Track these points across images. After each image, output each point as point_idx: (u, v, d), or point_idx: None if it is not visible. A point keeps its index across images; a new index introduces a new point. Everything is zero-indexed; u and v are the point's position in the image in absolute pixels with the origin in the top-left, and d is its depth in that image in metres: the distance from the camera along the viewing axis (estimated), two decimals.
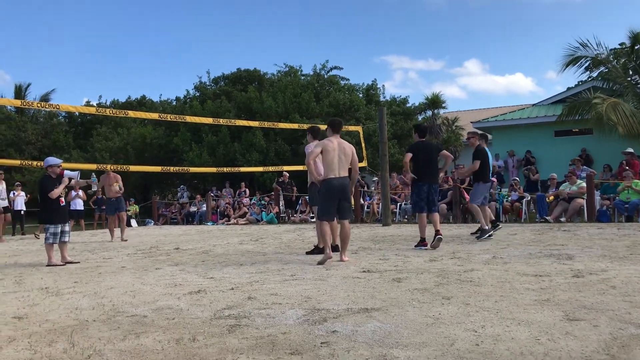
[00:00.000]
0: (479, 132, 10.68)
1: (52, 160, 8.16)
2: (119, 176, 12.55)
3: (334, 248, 7.53)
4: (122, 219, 12.59)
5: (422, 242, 8.11)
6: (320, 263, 6.66)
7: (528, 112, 20.29)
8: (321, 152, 6.89)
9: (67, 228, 8.01)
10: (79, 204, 17.70)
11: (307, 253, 7.95)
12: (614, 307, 3.76)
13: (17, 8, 60.01)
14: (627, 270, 5.31)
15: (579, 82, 20.93)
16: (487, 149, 9.63)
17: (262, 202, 18.92)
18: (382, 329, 3.43)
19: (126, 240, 11.96)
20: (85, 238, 13.33)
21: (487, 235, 8.96)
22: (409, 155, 8.28)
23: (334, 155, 6.84)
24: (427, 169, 8.24)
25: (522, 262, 6.17)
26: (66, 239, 7.97)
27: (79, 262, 7.88)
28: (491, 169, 9.79)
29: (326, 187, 6.92)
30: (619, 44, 23.41)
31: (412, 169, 8.36)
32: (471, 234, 9.89)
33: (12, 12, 60.06)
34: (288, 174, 18.76)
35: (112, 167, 13.31)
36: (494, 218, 9.91)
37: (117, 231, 12.46)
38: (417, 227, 8.46)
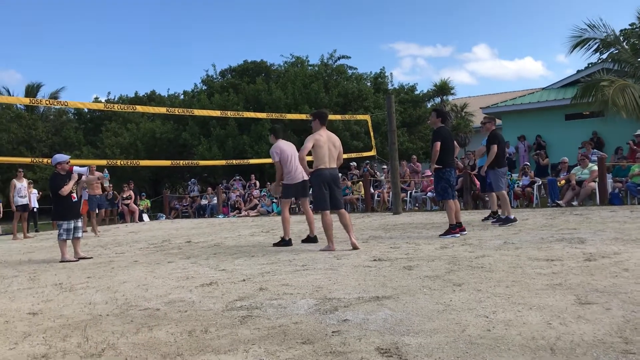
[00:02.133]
0: (492, 117, 10.68)
1: (60, 157, 8.20)
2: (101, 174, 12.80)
3: (313, 239, 8.01)
4: (100, 215, 13.27)
5: (453, 230, 7.81)
6: (323, 251, 6.99)
7: (538, 96, 20.11)
8: (313, 147, 7.00)
9: (79, 224, 8.07)
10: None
11: (274, 244, 8.09)
12: (627, 290, 3.74)
13: (26, 7, 60.30)
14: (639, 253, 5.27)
15: (589, 64, 20.70)
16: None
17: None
18: (393, 316, 3.43)
19: (98, 236, 12.42)
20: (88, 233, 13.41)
21: (511, 223, 8.85)
22: (439, 143, 7.88)
23: (325, 148, 7.02)
24: (451, 155, 8.15)
25: (533, 247, 6.14)
26: (79, 235, 8.04)
27: (91, 258, 7.95)
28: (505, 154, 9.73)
29: (318, 178, 7.05)
30: (629, 25, 23.14)
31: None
32: (482, 220, 9.86)
33: (21, 11, 60.36)
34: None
35: (122, 163, 13.40)
36: (495, 209, 9.81)
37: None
38: (429, 214, 8.43)
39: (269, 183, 18.09)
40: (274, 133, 8.29)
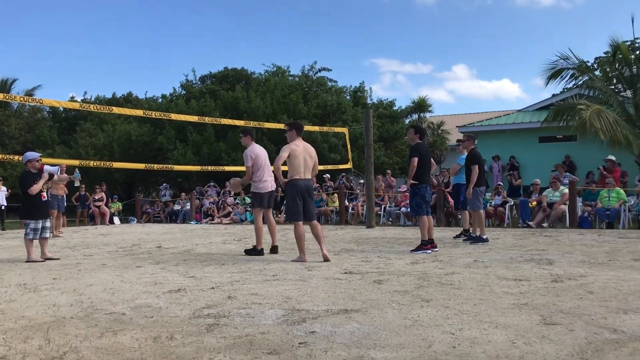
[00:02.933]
0: (473, 135, 10.79)
1: (31, 154, 8.05)
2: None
3: (272, 249, 8.03)
4: (60, 217, 13.09)
5: (425, 246, 7.85)
6: (295, 261, 7.00)
7: (513, 118, 20.46)
8: (288, 156, 7.01)
9: (47, 224, 7.93)
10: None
11: (246, 251, 8.07)
12: (591, 312, 3.80)
13: (5, 3, 59.34)
14: (605, 276, 5.37)
15: (564, 88, 21.13)
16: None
17: (247, 201, 18.85)
18: (361, 330, 3.43)
19: (60, 236, 12.35)
20: (66, 235, 13.18)
21: (482, 242, 8.93)
22: (416, 159, 7.95)
23: (300, 159, 7.03)
24: (428, 171, 8.21)
25: (502, 266, 6.21)
26: (47, 235, 7.89)
27: (58, 259, 7.81)
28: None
29: (292, 188, 7.06)
30: (604, 52, 23.68)
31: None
32: (454, 237, 9.94)
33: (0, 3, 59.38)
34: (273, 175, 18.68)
35: (95, 164, 13.22)
36: (467, 227, 9.91)
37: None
38: (402, 229, 8.48)
39: (228, 182, 17.30)
40: (249, 134, 8.18)
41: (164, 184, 23.56)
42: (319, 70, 27.11)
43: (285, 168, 7.14)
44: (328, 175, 18.96)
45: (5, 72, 67.73)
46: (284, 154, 6.99)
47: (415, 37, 70.83)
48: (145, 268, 6.62)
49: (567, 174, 15.30)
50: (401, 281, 5.28)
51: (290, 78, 26.28)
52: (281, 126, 16.91)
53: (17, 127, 29.97)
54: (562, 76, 15.96)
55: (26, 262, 7.49)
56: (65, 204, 13.30)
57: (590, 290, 4.63)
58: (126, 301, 4.52)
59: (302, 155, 7.04)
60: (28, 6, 61.60)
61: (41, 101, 12.89)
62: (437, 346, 3.05)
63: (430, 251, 7.82)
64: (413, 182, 8.01)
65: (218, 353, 3.01)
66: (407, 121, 28.50)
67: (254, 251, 7.89)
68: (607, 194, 12.64)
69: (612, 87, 17.58)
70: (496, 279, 5.32)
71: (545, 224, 12.83)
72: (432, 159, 8.60)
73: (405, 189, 16.45)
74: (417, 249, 7.90)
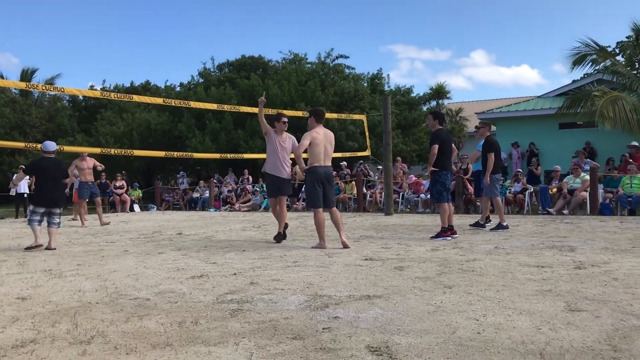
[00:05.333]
0: (488, 122, 10.65)
1: (51, 145, 8.16)
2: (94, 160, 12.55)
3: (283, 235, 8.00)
4: (97, 203, 12.66)
5: (445, 233, 7.80)
6: (315, 248, 7.03)
7: (533, 104, 20.20)
8: (310, 144, 7.01)
9: (55, 214, 7.82)
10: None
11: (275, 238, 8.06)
12: (616, 299, 3.76)
13: None
14: (629, 263, 5.31)
15: (584, 74, 20.83)
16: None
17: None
18: (384, 316, 3.44)
19: (108, 224, 12.05)
20: (88, 222, 13.34)
21: (502, 229, 8.83)
22: (437, 146, 7.86)
23: (321, 147, 7.03)
24: (449, 157, 8.11)
25: (524, 253, 6.17)
26: (54, 226, 7.78)
27: (55, 249, 7.57)
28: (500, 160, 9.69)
29: (312, 175, 7.09)
30: (627, 37, 23.29)
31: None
32: (470, 225, 9.86)
33: None
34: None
35: (116, 152, 13.34)
36: (488, 214, 9.74)
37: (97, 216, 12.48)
38: (420, 216, 8.45)
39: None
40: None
41: (181, 172, 23.72)
42: (336, 58, 26.99)
43: (305, 155, 7.14)
44: (345, 163, 18.92)
45: (27, 61, 68.43)
46: (305, 141, 7.00)
47: (433, 23, 70.22)
48: (167, 254, 6.69)
49: (588, 160, 15.12)
50: (422, 268, 5.27)
51: (307, 65, 26.20)
52: (299, 114, 16.94)
53: (38, 116, 30.31)
54: (584, 62, 15.75)
55: (46, 249, 7.48)
56: (97, 190, 12.84)
57: (615, 277, 4.59)
58: (150, 287, 4.57)
59: (322, 143, 7.04)
60: None
61: (62, 89, 13.01)
62: (462, 332, 3.04)
63: (450, 238, 7.77)
64: (433, 169, 7.95)
65: (243, 338, 3.04)
66: (424, 108, 28.31)
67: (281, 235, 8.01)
68: (629, 180, 12.47)
69: (635, 71, 17.29)
70: (518, 265, 5.28)
71: (565, 211, 12.71)
72: (453, 144, 8.52)
73: (414, 179, 16.43)
74: (437, 235, 7.87)
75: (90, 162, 12.42)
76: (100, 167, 12.66)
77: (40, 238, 7.60)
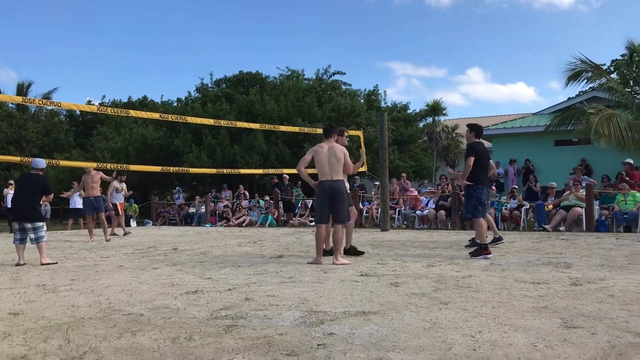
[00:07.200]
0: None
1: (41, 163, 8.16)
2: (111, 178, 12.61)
3: (329, 252, 7.55)
4: (101, 219, 12.58)
5: (485, 250, 7.32)
6: (310, 264, 6.99)
7: (528, 121, 20.33)
8: (313, 159, 7.11)
9: (36, 228, 7.79)
10: (78, 203, 17.36)
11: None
12: (612, 316, 3.75)
13: (24, 7, 60.15)
14: (625, 280, 5.30)
15: (579, 92, 20.97)
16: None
17: (260, 204, 18.86)
18: (379, 332, 3.42)
19: (109, 241, 11.95)
20: (83, 237, 13.29)
21: (495, 243, 8.65)
22: (472, 159, 7.57)
23: (324, 160, 7.04)
24: (485, 172, 7.78)
25: (520, 269, 6.16)
26: (31, 242, 7.78)
27: (24, 264, 7.57)
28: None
29: (317, 190, 7.18)
30: (621, 55, 23.50)
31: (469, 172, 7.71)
32: (465, 246, 9.55)
33: (19, 10, 60.18)
34: (288, 177, 18.66)
35: (111, 166, 13.32)
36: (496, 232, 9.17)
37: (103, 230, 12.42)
38: (416, 232, 8.41)
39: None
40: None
41: (177, 188, 23.70)
42: (333, 74, 27.15)
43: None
44: None
45: (25, 74, 68.61)
46: (307, 156, 7.16)
47: (429, 40, 70.73)
48: (162, 270, 6.65)
49: (585, 176, 15.15)
50: (418, 284, 5.25)
51: (304, 81, 26.31)
52: (296, 129, 16.98)
53: (35, 131, 30.32)
54: (579, 78, 15.86)
55: (41, 264, 7.45)
56: (101, 204, 12.73)
57: (611, 293, 4.57)
58: (144, 302, 4.53)
59: (325, 157, 7.03)
60: (44, 11, 62.34)
61: (59, 104, 13.01)
62: (458, 349, 3.02)
63: (490, 256, 7.28)
64: (467, 183, 7.65)
65: (237, 354, 3.01)
66: (421, 124, 28.41)
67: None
68: (623, 197, 12.50)
69: (629, 89, 17.41)
70: (514, 282, 5.27)
71: (561, 228, 12.71)
72: (490, 159, 8.14)
73: (414, 193, 16.43)
74: (476, 253, 7.39)
75: (97, 175, 12.45)
76: (120, 184, 12.88)
77: (22, 258, 7.61)
